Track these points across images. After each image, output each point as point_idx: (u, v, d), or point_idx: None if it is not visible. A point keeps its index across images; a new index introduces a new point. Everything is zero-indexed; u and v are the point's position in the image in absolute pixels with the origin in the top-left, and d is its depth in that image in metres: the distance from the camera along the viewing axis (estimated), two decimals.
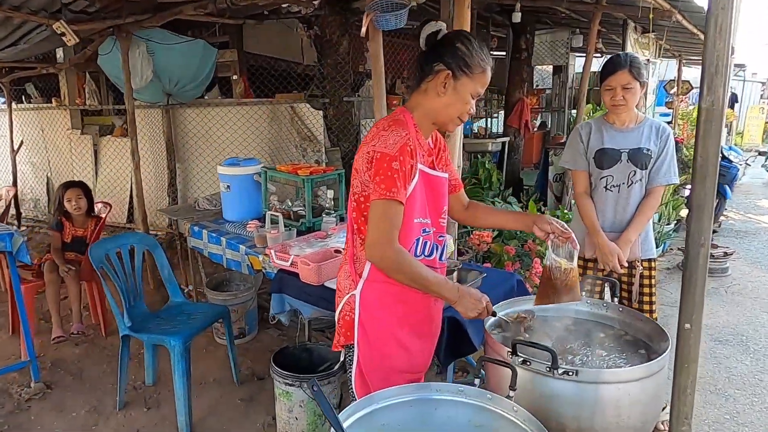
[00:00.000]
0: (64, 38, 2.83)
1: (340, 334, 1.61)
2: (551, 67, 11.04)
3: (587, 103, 6.99)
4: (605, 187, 2.35)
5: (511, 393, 1.26)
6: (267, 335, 3.67)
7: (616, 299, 1.83)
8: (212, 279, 3.69)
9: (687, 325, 1.00)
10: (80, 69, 5.56)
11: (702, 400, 2.87)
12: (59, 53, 5.62)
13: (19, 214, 6.51)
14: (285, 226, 3.05)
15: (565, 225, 1.56)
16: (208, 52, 4.66)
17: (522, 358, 1.39)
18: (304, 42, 5.33)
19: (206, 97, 5.59)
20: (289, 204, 3.43)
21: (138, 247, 2.92)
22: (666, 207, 5.40)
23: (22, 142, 6.25)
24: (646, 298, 2.39)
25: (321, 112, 4.70)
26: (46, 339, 3.52)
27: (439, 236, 1.61)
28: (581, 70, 5.33)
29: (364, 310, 1.53)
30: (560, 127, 9.78)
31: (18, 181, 6.27)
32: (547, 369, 1.35)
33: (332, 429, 1.06)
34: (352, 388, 1.59)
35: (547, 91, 12.17)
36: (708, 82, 0.90)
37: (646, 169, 2.29)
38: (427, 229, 1.55)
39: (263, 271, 2.92)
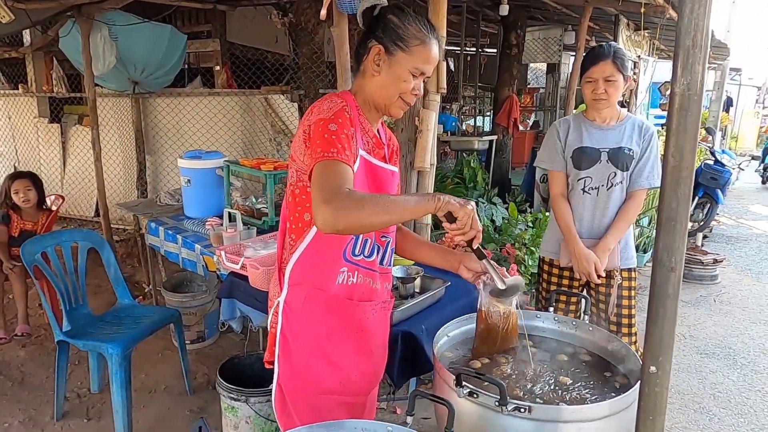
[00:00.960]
0: None
1: (267, 349, 1.42)
2: (546, 65, 10.87)
3: (581, 102, 6.82)
4: (583, 189, 2.15)
5: None
6: (228, 340, 3.46)
7: (586, 316, 1.63)
8: (171, 279, 3.48)
9: (652, 368, 0.79)
10: (48, 54, 5.30)
11: (684, 420, 2.69)
12: (26, 37, 5.35)
13: None
14: (245, 225, 2.84)
15: (495, 264, 1.34)
16: (176, 39, 4.41)
17: (468, 390, 1.19)
18: (280, 31, 5.10)
19: (187, 88, 5.35)
20: (253, 201, 3.22)
21: (81, 244, 2.70)
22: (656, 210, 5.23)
23: None
24: (624, 311, 2.19)
25: (296, 105, 4.48)
26: None
27: (382, 236, 1.40)
28: (571, 68, 5.13)
29: (288, 320, 1.33)
30: None
31: None
32: (496, 403, 1.14)
33: None
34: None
35: (541, 90, 12.01)
36: (683, 59, 0.68)
37: (627, 170, 2.10)
38: None
39: (217, 272, 2.72)
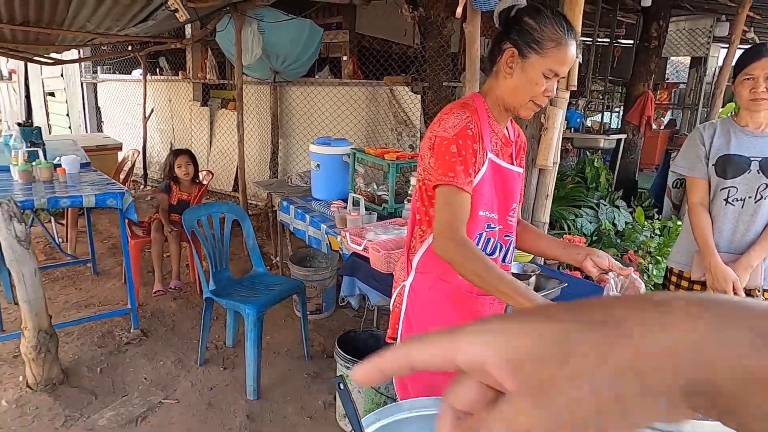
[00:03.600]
0: (177, 14, 3.03)
1: (390, 326, 1.56)
2: (689, 59, 9.86)
3: (728, 101, 6.14)
4: (726, 199, 2.00)
5: None
6: (342, 314, 3.72)
7: None
8: (297, 253, 3.81)
9: None
10: (204, 46, 5.98)
11: None
12: (188, 30, 6.09)
13: (146, 175, 7.26)
14: (366, 210, 3.03)
15: (620, 265, 1.32)
16: (314, 32, 4.75)
17: None
18: (410, 24, 5.24)
19: (317, 77, 5.74)
20: (375, 187, 3.40)
21: (228, 215, 3.07)
22: None
23: (152, 110, 6.92)
24: None
25: (419, 96, 4.61)
26: (150, 291, 3.88)
27: (505, 235, 1.46)
28: (722, 63, 4.65)
29: (412, 302, 1.45)
30: (691, 126, 8.76)
31: (147, 145, 6.98)
32: None
33: None
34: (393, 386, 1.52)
35: (681, 86, 10.92)
36: None
37: None
38: (493, 225, 1.41)
39: (339, 251, 2.94)
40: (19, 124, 4.18)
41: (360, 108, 5.05)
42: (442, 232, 1.27)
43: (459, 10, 2.27)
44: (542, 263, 2.64)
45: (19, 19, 4.03)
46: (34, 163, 3.27)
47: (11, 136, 3.98)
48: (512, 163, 1.46)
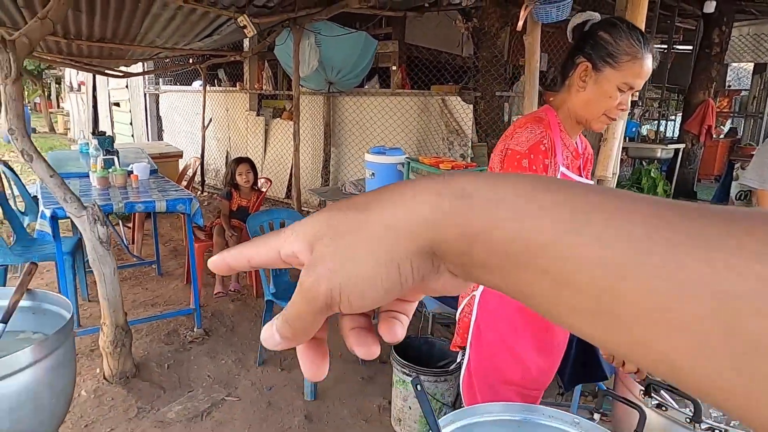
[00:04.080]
0: (245, 30, 3.20)
1: (458, 334, 1.59)
2: (752, 65, 9.42)
3: None
4: None
5: None
6: None
7: None
8: None
9: None
10: (261, 58, 6.23)
11: None
12: (246, 43, 6.36)
13: (203, 181, 7.59)
14: None
15: None
16: (368, 44, 4.87)
17: (657, 402, 1.22)
18: (462, 35, 5.29)
19: (366, 87, 5.87)
20: None
21: (287, 222, 3.20)
22: None
23: (210, 120, 7.24)
24: None
25: (471, 106, 4.63)
26: (211, 292, 4.06)
27: None
28: None
29: (482, 313, 1.48)
30: (754, 136, 8.36)
31: (205, 153, 7.30)
32: (688, 420, 1.16)
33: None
34: (460, 391, 1.56)
35: (743, 93, 10.44)
36: None
37: None
38: None
39: None
40: (93, 134, 4.48)
41: (411, 117, 5.13)
42: None
43: (520, 24, 2.30)
44: None
45: (97, 35, 4.34)
46: (110, 170, 3.51)
47: (88, 144, 4.27)
48: (580, 175, 1.48)
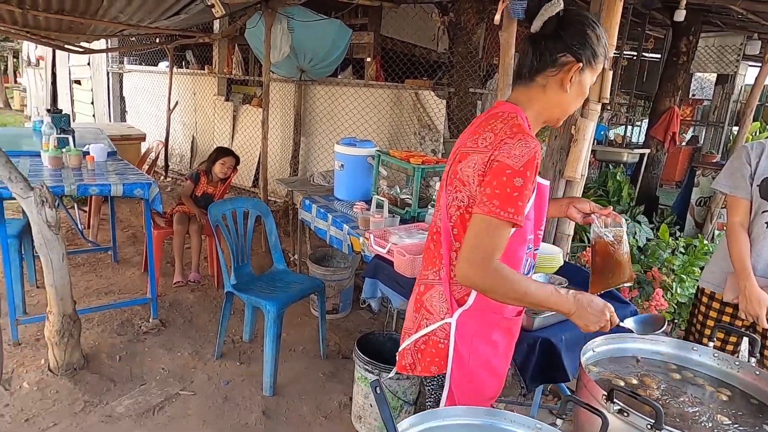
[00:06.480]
0: (213, 10, 3.06)
1: (427, 361, 1.41)
2: (715, 75, 9.73)
3: (754, 120, 6.05)
4: (767, 223, 1.96)
5: None
6: (359, 316, 3.72)
7: (754, 359, 1.52)
8: (316, 252, 3.82)
9: None
10: (231, 41, 6.04)
11: None
12: (216, 25, 6.15)
13: (167, 166, 7.34)
14: (389, 213, 3.03)
15: (599, 206, 1.52)
16: (343, 32, 4.77)
17: (618, 407, 1.20)
18: (438, 29, 5.24)
19: (339, 77, 5.76)
20: (398, 191, 3.40)
21: (252, 211, 3.09)
22: None
23: (177, 103, 7.00)
24: None
25: (444, 102, 4.60)
26: (169, 282, 3.91)
27: (535, 250, 1.45)
28: (754, 82, 4.58)
29: (462, 339, 1.36)
30: (715, 144, 8.63)
31: (170, 137, 7.05)
32: (649, 426, 1.15)
33: None
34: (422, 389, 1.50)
35: (705, 103, 10.78)
36: None
37: None
38: (531, 246, 1.39)
39: (361, 253, 2.94)
40: (48, 111, 4.25)
41: (383, 110, 5.06)
42: (477, 260, 1.16)
43: (497, 17, 2.26)
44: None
45: (54, 7, 4.10)
46: (64, 150, 3.32)
47: (42, 122, 4.04)
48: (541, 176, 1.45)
